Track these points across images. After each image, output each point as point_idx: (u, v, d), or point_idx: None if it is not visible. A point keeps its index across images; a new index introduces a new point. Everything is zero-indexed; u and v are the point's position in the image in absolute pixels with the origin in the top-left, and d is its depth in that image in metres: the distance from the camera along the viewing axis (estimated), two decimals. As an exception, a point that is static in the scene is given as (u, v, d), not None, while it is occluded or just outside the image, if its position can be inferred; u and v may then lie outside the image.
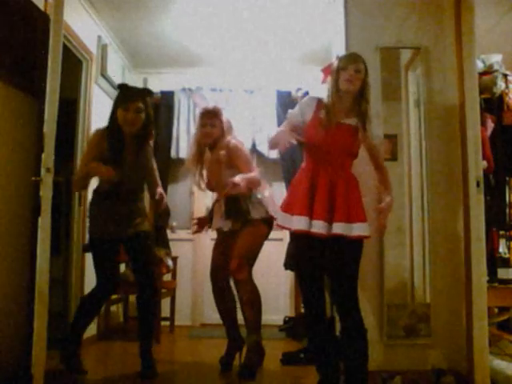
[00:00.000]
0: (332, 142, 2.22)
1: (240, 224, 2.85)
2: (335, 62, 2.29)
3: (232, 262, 2.77)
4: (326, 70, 2.37)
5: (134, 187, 2.78)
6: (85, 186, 2.87)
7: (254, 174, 2.83)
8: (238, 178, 2.63)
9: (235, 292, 2.91)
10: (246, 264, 2.77)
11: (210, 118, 2.93)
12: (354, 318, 2.15)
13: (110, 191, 2.70)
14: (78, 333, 2.72)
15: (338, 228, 2.12)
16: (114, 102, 2.71)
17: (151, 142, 2.92)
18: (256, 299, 2.79)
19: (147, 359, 2.69)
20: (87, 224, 2.87)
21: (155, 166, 2.95)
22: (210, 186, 3.05)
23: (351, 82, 2.22)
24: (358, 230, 2.14)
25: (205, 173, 3.04)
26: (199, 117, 2.99)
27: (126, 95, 2.68)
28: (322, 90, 4.81)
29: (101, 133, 2.71)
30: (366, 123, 2.26)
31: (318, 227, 2.12)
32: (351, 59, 2.26)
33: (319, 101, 2.33)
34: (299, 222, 2.16)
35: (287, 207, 2.27)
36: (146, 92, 2.82)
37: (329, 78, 2.32)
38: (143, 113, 2.67)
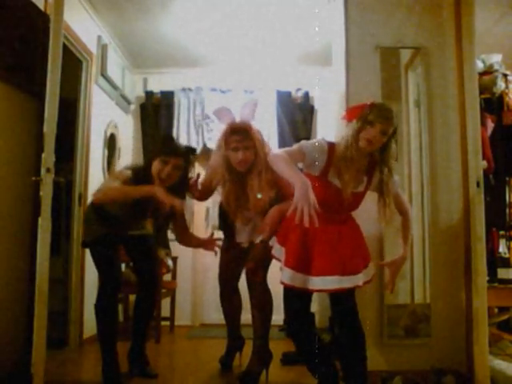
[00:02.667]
0: (341, 206, 2.06)
1: None
2: (365, 109, 2.04)
3: (249, 263, 2.58)
4: (352, 112, 2.10)
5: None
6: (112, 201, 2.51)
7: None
8: (271, 217, 2.40)
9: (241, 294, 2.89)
10: (262, 266, 2.62)
11: (242, 139, 2.48)
12: (352, 324, 2.12)
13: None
14: (113, 341, 2.55)
15: (347, 282, 2.01)
16: (153, 150, 2.60)
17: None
18: (267, 303, 2.70)
19: (143, 358, 2.67)
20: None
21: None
22: (229, 207, 2.63)
23: (371, 144, 2.00)
24: (365, 276, 2.09)
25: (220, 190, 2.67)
26: (226, 137, 2.52)
27: (170, 148, 2.50)
28: (321, 90, 4.82)
29: (128, 178, 2.48)
30: (389, 183, 2.09)
31: (320, 284, 2.00)
32: (382, 116, 1.99)
33: (331, 149, 2.07)
34: (293, 279, 2.02)
35: (280, 239, 2.21)
36: (190, 150, 2.62)
37: (350, 124, 2.06)
38: (181, 170, 2.49)
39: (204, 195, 2.77)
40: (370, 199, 2.20)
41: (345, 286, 2.00)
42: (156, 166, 2.44)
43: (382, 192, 2.10)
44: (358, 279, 2.05)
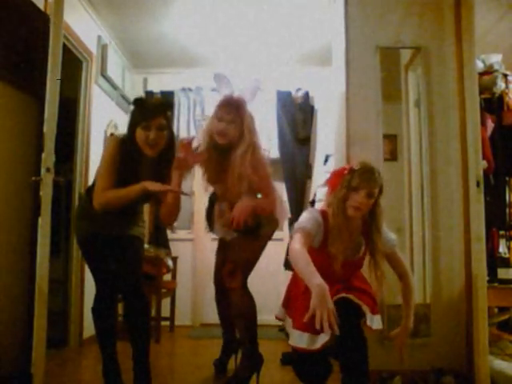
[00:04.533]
0: (339, 274, 1.96)
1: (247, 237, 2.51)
2: (346, 174, 1.96)
3: (225, 268, 2.52)
4: (334, 180, 2.02)
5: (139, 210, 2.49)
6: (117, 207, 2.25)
7: (270, 198, 2.46)
8: (240, 209, 2.33)
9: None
10: (240, 272, 2.50)
11: (230, 111, 2.40)
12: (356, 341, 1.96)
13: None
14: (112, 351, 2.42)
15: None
16: (131, 121, 2.27)
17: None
18: (247, 311, 2.52)
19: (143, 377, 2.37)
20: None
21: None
22: (211, 181, 2.58)
23: (360, 210, 1.92)
24: (376, 323, 1.95)
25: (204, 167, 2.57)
26: (217, 107, 2.46)
27: (146, 111, 2.24)
28: (321, 90, 4.82)
29: (119, 143, 2.26)
30: (378, 242, 1.99)
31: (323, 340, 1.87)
32: (365, 179, 1.91)
33: (325, 219, 2.00)
34: (301, 340, 1.88)
35: (285, 303, 2.15)
36: (166, 105, 2.40)
37: (334, 193, 1.99)
38: (166, 130, 2.25)
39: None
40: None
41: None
42: (140, 135, 2.20)
43: (372, 252, 2.01)
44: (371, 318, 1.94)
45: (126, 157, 2.23)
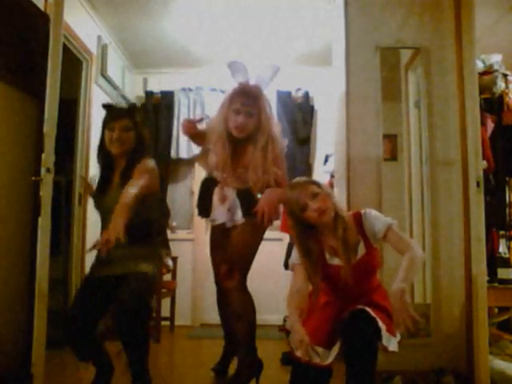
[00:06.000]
0: (351, 281, 1.89)
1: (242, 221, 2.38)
2: (285, 199, 1.96)
3: (221, 267, 2.40)
4: (283, 226, 2.10)
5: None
6: None
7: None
8: (267, 201, 2.27)
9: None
10: (237, 271, 2.37)
11: (247, 102, 2.28)
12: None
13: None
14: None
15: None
16: (102, 124, 2.41)
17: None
18: (246, 312, 2.38)
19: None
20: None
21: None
22: (218, 167, 2.43)
23: (321, 214, 1.88)
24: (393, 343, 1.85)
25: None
26: (231, 96, 2.33)
27: (111, 114, 2.38)
28: (321, 90, 4.82)
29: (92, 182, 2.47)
30: (353, 250, 1.92)
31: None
32: (297, 190, 1.91)
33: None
34: (314, 355, 1.83)
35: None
36: (133, 108, 2.47)
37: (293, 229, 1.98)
38: (132, 131, 2.32)
39: (198, 139, 2.57)
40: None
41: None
42: (106, 136, 2.32)
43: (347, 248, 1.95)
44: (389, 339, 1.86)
45: (98, 161, 2.39)
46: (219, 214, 2.43)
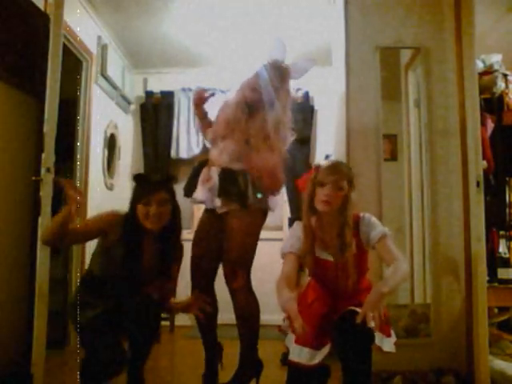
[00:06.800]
0: (340, 278, 1.91)
1: (232, 207, 2.29)
2: (313, 173, 1.96)
3: (225, 267, 2.35)
4: (302, 183, 2.05)
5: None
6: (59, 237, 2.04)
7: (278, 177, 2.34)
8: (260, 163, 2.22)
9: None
10: (242, 269, 2.32)
11: (272, 73, 2.33)
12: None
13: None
14: None
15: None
16: (133, 197, 2.19)
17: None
18: (253, 312, 2.35)
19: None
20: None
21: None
22: (219, 135, 2.40)
23: (328, 203, 1.88)
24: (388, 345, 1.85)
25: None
26: (268, 69, 2.37)
27: (147, 186, 2.17)
28: (321, 90, 4.81)
29: (119, 220, 2.16)
30: (348, 238, 1.91)
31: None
32: (330, 172, 1.90)
33: (306, 225, 2.00)
34: (300, 355, 1.85)
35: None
36: (170, 179, 2.29)
37: (304, 193, 1.99)
38: (169, 204, 2.19)
39: (214, 134, 2.45)
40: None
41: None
42: (140, 211, 2.13)
43: (343, 247, 1.94)
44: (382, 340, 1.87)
45: (126, 231, 2.13)
46: (199, 192, 2.39)
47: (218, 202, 2.31)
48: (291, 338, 1.96)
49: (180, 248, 2.45)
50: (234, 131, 2.33)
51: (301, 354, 1.84)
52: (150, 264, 2.22)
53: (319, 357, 1.83)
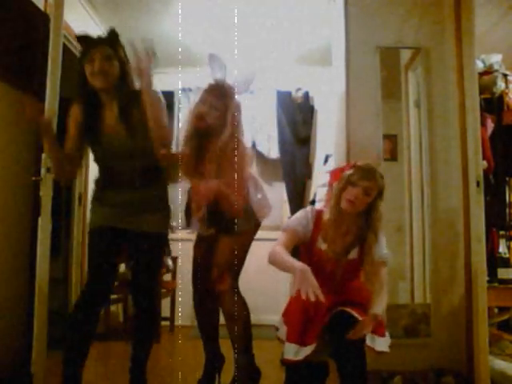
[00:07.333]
0: (334, 274, 1.96)
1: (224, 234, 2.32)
2: (349, 169, 1.99)
3: (213, 271, 2.33)
4: (335, 174, 2.08)
5: (126, 167, 2.11)
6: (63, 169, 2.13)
7: (239, 194, 2.25)
8: (203, 189, 2.19)
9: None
10: (228, 273, 2.30)
11: (216, 97, 2.27)
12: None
13: (101, 178, 2.18)
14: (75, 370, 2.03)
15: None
16: (78, 60, 2.13)
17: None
18: (241, 314, 2.31)
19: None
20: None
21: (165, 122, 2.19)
22: (188, 174, 2.36)
23: (353, 204, 1.94)
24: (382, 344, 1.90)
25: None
26: (204, 90, 2.33)
27: (88, 43, 2.12)
28: (321, 90, 4.80)
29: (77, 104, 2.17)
30: (372, 246, 1.98)
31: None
32: (365, 176, 1.94)
33: (317, 215, 2.04)
34: (288, 351, 1.87)
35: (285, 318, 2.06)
36: (113, 35, 2.20)
37: (335, 184, 2.02)
38: (115, 60, 2.12)
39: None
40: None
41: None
42: (87, 69, 2.07)
43: (364, 256, 2.00)
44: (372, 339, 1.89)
45: (82, 102, 2.13)
46: (193, 223, 2.41)
47: (208, 231, 2.33)
48: (284, 333, 1.99)
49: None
50: (197, 167, 2.31)
51: (289, 350, 1.87)
52: (119, 129, 2.11)
53: (303, 353, 1.85)
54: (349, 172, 1.98)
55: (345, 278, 2.03)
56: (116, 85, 2.11)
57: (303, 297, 1.68)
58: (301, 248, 2.08)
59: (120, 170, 2.12)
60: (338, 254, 1.98)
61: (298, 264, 1.80)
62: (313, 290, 1.68)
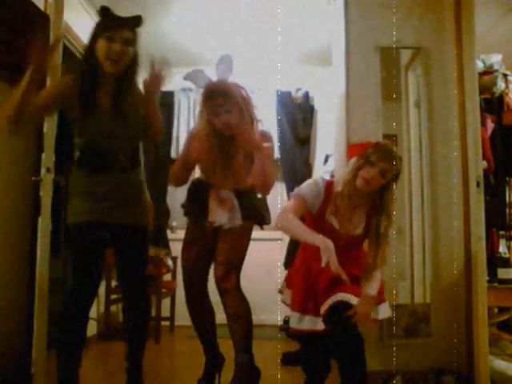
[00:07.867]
0: (337, 246, 1.92)
1: (248, 225, 2.33)
2: (368, 148, 1.99)
3: (218, 269, 2.31)
4: (354, 149, 2.09)
5: (116, 148, 2.05)
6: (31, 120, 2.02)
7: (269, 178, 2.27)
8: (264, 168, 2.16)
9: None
10: (234, 271, 2.30)
11: (222, 102, 2.22)
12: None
13: (86, 160, 2.10)
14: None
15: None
16: (94, 31, 1.98)
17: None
18: (245, 312, 2.31)
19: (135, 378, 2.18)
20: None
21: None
22: (209, 171, 2.35)
23: (368, 184, 1.95)
24: (382, 312, 1.99)
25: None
26: (205, 101, 2.27)
27: (112, 21, 2.00)
28: (321, 90, 4.80)
29: (74, 78, 2.01)
30: (384, 228, 2.00)
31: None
32: (384, 157, 1.94)
33: (328, 187, 2.04)
34: (292, 320, 2.01)
35: (288, 282, 2.19)
36: (138, 19, 2.10)
37: (352, 160, 2.02)
38: (132, 46, 2.00)
39: (183, 172, 2.41)
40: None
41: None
42: (101, 47, 1.93)
43: (377, 236, 2.01)
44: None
45: (82, 75, 1.97)
46: (219, 216, 2.33)
47: (238, 222, 2.30)
48: (287, 295, 2.15)
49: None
50: (220, 163, 2.32)
51: (293, 319, 2.01)
52: (113, 112, 2.03)
53: (305, 323, 1.96)
54: (369, 150, 1.97)
55: (347, 251, 2.04)
56: (123, 71, 2.00)
57: (333, 268, 1.78)
58: (306, 218, 2.08)
59: (104, 151, 2.05)
60: (345, 229, 2.01)
61: (319, 237, 1.85)
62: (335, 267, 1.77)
